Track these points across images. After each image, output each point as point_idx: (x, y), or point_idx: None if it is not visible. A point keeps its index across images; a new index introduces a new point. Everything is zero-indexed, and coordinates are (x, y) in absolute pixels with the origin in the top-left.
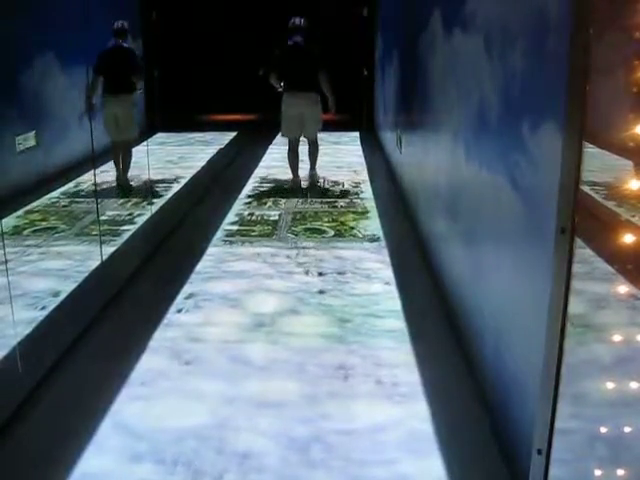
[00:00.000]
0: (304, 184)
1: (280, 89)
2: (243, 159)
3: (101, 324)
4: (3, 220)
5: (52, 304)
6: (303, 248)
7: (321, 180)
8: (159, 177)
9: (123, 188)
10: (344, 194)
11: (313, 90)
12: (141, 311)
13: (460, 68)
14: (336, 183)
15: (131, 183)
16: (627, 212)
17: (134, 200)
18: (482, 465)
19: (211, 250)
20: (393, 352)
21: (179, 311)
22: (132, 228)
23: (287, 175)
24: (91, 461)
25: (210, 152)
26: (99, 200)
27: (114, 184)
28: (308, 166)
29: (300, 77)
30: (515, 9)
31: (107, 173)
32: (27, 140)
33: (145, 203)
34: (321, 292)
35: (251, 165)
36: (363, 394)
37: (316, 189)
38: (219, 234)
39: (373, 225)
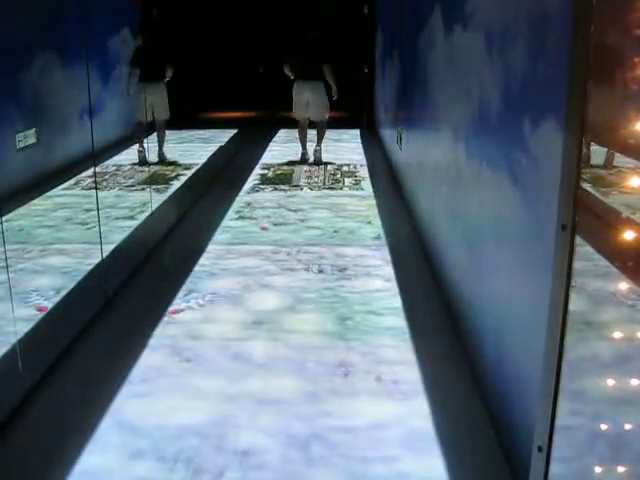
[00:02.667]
0: (310, 157)
1: (292, 78)
2: (243, 156)
3: (101, 322)
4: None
5: (52, 301)
6: (303, 245)
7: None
8: (159, 174)
9: (160, 158)
10: (344, 191)
11: (318, 79)
12: (141, 308)
13: (461, 66)
14: (336, 181)
15: (164, 158)
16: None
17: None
18: (482, 462)
19: (211, 247)
20: (393, 349)
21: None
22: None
23: (286, 173)
24: (91, 458)
25: (211, 149)
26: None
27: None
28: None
29: (308, 69)
30: (516, 6)
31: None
32: (27, 137)
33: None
34: (321, 289)
35: (252, 162)
36: (363, 391)
37: (320, 162)
38: (219, 231)
39: (373, 222)
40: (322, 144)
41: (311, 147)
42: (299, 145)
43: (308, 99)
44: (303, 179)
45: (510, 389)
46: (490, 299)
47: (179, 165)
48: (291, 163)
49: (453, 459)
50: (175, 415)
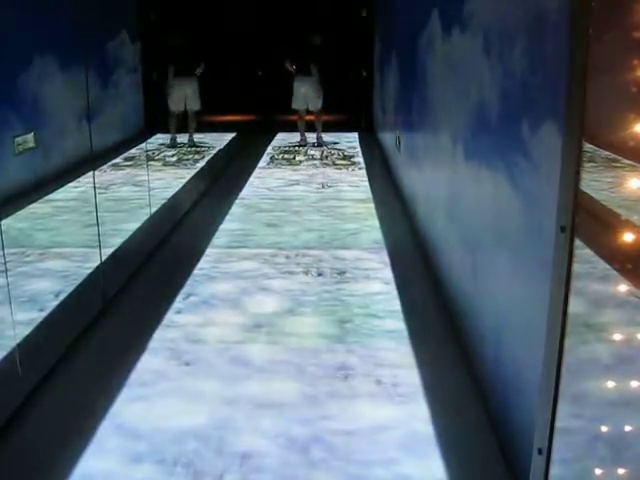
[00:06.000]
0: (310, 141)
1: (293, 72)
2: (243, 158)
3: (100, 325)
4: None
5: (51, 305)
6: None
7: (325, 144)
8: (160, 175)
9: (190, 144)
10: (343, 194)
11: (313, 76)
12: (140, 312)
13: (459, 68)
14: (333, 184)
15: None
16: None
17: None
18: (482, 465)
19: (210, 251)
20: (393, 352)
21: (179, 312)
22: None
23: (285, 175)
24: (91, 462)
25: (211, 153)
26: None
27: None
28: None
29: (306, 67)
30: (514, 8)
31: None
32: (26, 141)
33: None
34: (320, 292)
35: (252, 164)
36: (363, 394)
37: (320, 145)
38: (220, 234)
39: (372, 225)
40: (321, 132)
41: (312, 141)
42: (296, 148)
43: (306, 91)
44: (303, 183)
45: (510, 391)
46: (490, 301)
47: (181, 168)
48: (291, 164)
49: (453, 462)
50: (174, 418)
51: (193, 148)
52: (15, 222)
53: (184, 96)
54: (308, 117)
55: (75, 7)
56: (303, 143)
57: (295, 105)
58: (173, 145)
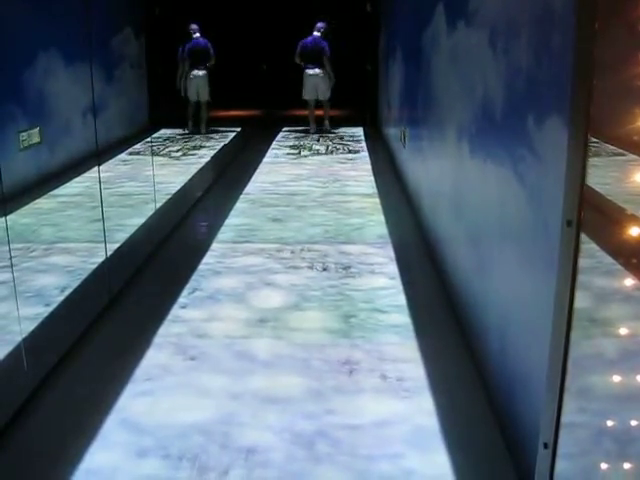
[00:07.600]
0: (318, 129)
1: (303, 65)
2: (247, 156)
3: (106, 320)
4: None
5: (57, 300)
6: (307, 243)
7: (331, 131)
8: (165, 171)
9: (204, 132)
10: (348, 189)
11: (323, 67)
12: (146, 307)
13: (464, 63)
14: (338, 179)
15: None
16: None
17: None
18: (488, 459)
19: (215, 246)
20: (398, 347)
21: (184, 307)
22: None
23: (290, 170)
24: (97, 457)
25: (216, 148)
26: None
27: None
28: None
29: (315, 59)
30: (520, 3)
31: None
32: (31, 137)
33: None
34: (325, 287)
35: (257, 158)
36: (368, 389)
37: (327, 132)
38: (225, 229)
39: (377, 220)
40: (327, 121)
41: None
42: (301, 143)
43: (316, 82)
44: (308, 178)
45: (515, 386)
46: (495, 296)
47: (186, 163)
48: (296, 158)
49: (458, 456)
50: (180, 413)
51: (201, 142)
52: (20, 217)
53: (197, 87)
54: (317, 112)
55: (80, 2)
56: (312, 131)
57: (306, 95)
58: (190, 132)
